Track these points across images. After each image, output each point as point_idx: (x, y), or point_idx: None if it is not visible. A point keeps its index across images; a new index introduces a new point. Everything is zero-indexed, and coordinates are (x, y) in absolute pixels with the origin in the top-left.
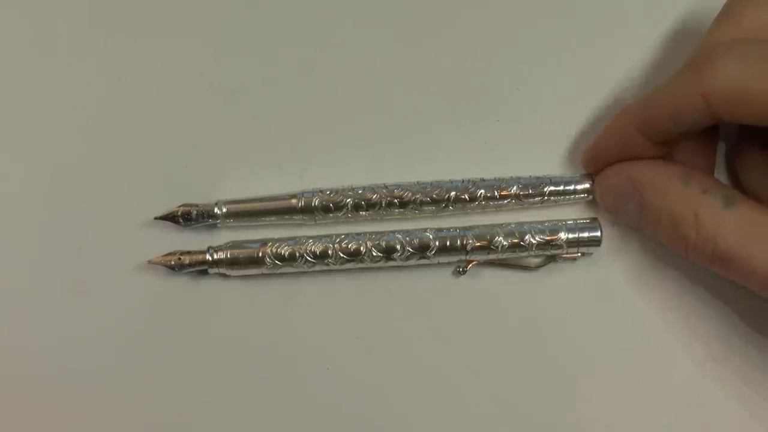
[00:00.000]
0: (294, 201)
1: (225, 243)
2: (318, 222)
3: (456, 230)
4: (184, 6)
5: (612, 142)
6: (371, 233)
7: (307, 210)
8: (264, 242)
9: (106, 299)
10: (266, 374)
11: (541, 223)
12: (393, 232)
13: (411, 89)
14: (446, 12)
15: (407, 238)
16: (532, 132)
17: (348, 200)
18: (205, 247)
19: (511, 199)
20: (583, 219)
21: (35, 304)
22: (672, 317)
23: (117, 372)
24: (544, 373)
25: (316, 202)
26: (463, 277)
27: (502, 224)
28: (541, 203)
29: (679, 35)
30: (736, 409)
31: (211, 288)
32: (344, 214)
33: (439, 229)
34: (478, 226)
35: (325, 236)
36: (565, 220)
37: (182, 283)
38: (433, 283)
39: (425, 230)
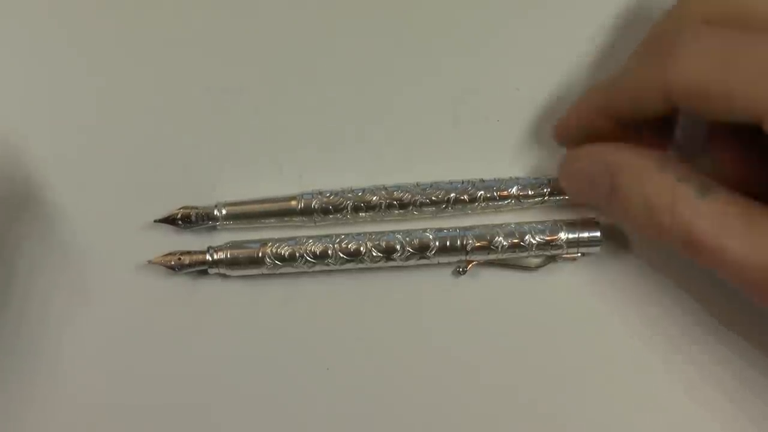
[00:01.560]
0: (294, 203)
1: (225, 243)
2: (318, 224)
3: (456, 230)
4: (183, 6)
5: (578, 122)
6: (371, 233)
7: (307, 212)
8: (264, 242)
9: (106, 300)
10: (266, 374)
11: (541, 223)
12: (393, 232)
13: (411, 89)
14: (446, 12)
15: (407, 238)
16: (532, 132)
17: (348, 202)
18: (204, 248)
19: (511, 200)
20: (583, 219)
21: (35, 306)
22: (673, 317)
23: (116, 372)
24: (544, 373)
25: (315, 204)
26: (463, 277)
27: (502, 224)
28: (542, 204)
29: None
30: (738, 408)
31: (211, 288)
32: (344, 215)
33: (439, 229)
34: (478, 226)
35: (325, 236)
36: (565, 221)
37: (182, 283)
38: (433, 284)
39: (425, 230)
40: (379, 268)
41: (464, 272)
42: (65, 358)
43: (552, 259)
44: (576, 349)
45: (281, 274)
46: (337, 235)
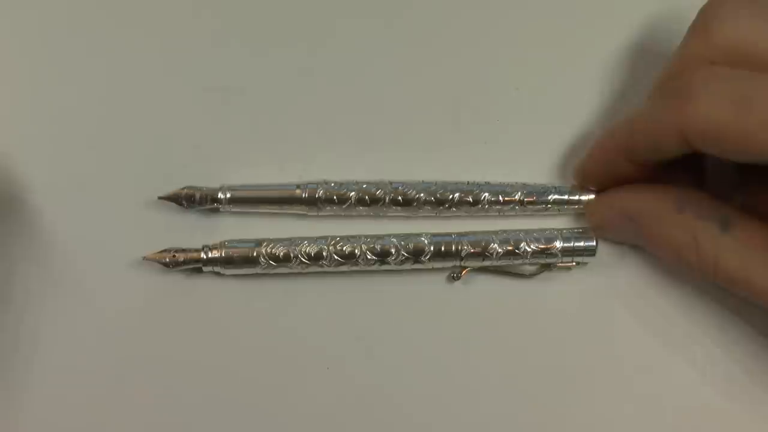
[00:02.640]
0: (298, 191)
1: (220, 242)
2: (320, 214)
3: (451, 236)
4: (185, 5)
5: (599, 165)
6: (366, 236)
7: (310, 201)
8: (259, 242)
9: (100, 295)
10: (260, 372)
11: (537, 231)
12: (388, 235)
13: (411, 89)
14: (446, 12)
15: (402, 242)
16: (532, 132)
17: (351, 194)
18: (203, 240)
19: (515, 205)
20: (578, 228)
21: (31, 301)
22: (667, 327)
23: (110, 368)
24: (537, 381)
25: (320, 193)
26: (457, 283)
27: (497, 231)
28: (545, 211)
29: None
30: (735, 418)
31: (207, 286)
32: (347, 207)
33: (435, 234)
34: (473, 233)
35: (320, 238)
36: (560, 229)
37: (177, 280)
38: (427, 289)
39: (420, 235)
40: (374, 272)
41: (458, 278)
42: (59, 353)
43: (547, 267)
44: (569, 357)
45: (277, 274)
46: (332, 237)
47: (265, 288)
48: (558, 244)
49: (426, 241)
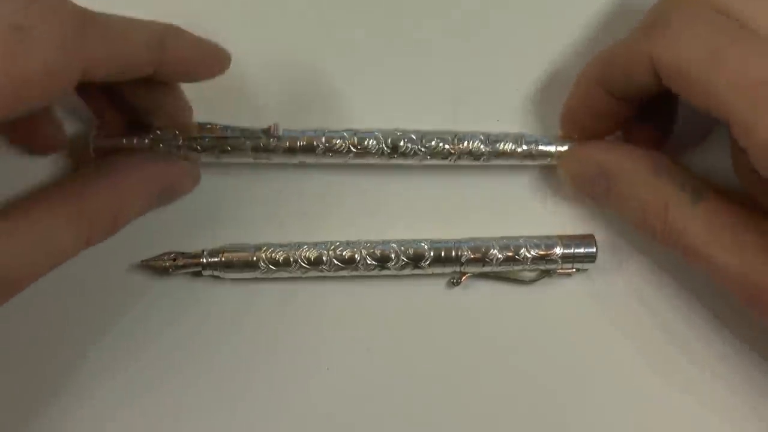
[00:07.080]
0: (271, 140)
1: (219, 246)
2: (294, 161)
3: (451, 242)
4: (185, 6)
5: (580, 101)
6: (366, 241)
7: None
8: (258, 247)
9: (100, 299)
10: (258, 375)
11: (537, 237)
12: (388, 241)
13: (411, 89)
14: (446, 12)
15: (402, 248)
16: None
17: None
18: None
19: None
20: (578, 234)
21: (30, 304)
22: (665, 333)
23: (110, 370)
24: (537, 386)
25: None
26: (457, 288)
27: (497, 237)
28: (532, 161)
29: None
30: (734, 422)
31: (206, 289)
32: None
33: (435, 240)
34: (473, 238)
35: (320, 243)
36: (561, 236)
37: (177, 284)
38: (426, 294)
39: (420, 240)
40: (374, 277)
41: (458, 284)
42: (59, 355)
43: (547, 273)
44: (568, 363)
45: (276, 278)
46: (332, 242)
47: (265, 292)
48: (558, 250)
49: (426, 247)
